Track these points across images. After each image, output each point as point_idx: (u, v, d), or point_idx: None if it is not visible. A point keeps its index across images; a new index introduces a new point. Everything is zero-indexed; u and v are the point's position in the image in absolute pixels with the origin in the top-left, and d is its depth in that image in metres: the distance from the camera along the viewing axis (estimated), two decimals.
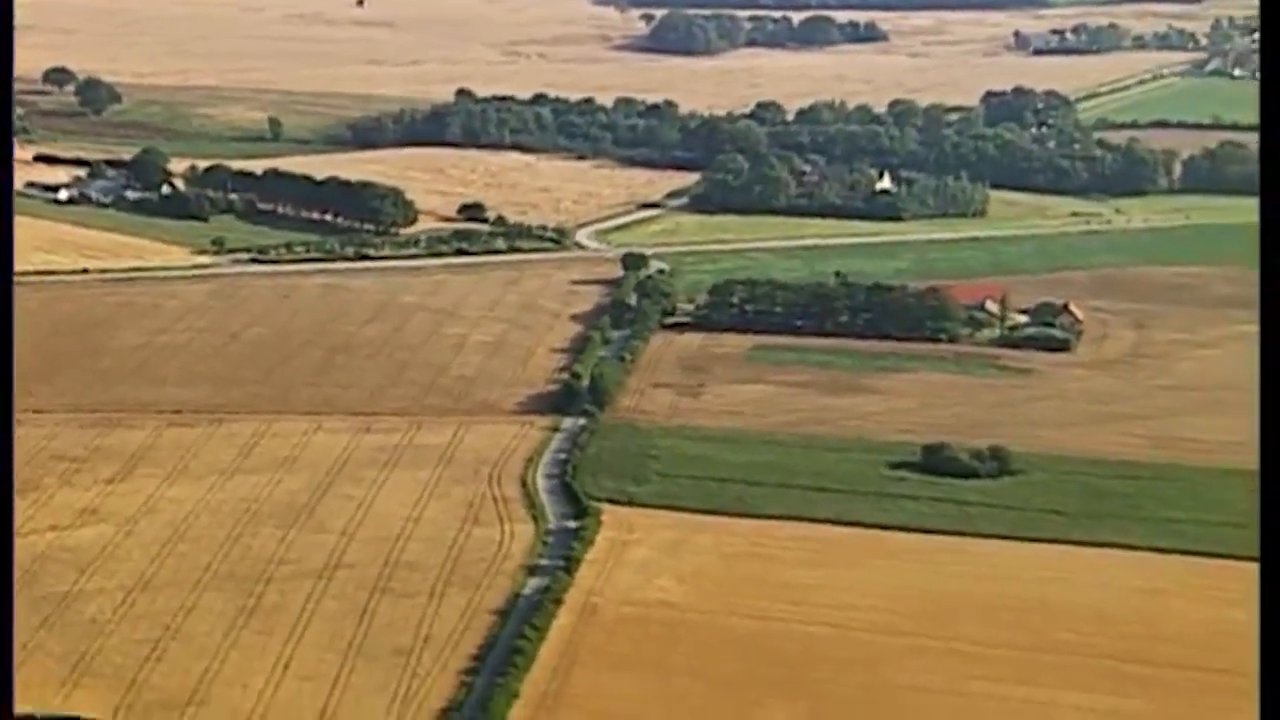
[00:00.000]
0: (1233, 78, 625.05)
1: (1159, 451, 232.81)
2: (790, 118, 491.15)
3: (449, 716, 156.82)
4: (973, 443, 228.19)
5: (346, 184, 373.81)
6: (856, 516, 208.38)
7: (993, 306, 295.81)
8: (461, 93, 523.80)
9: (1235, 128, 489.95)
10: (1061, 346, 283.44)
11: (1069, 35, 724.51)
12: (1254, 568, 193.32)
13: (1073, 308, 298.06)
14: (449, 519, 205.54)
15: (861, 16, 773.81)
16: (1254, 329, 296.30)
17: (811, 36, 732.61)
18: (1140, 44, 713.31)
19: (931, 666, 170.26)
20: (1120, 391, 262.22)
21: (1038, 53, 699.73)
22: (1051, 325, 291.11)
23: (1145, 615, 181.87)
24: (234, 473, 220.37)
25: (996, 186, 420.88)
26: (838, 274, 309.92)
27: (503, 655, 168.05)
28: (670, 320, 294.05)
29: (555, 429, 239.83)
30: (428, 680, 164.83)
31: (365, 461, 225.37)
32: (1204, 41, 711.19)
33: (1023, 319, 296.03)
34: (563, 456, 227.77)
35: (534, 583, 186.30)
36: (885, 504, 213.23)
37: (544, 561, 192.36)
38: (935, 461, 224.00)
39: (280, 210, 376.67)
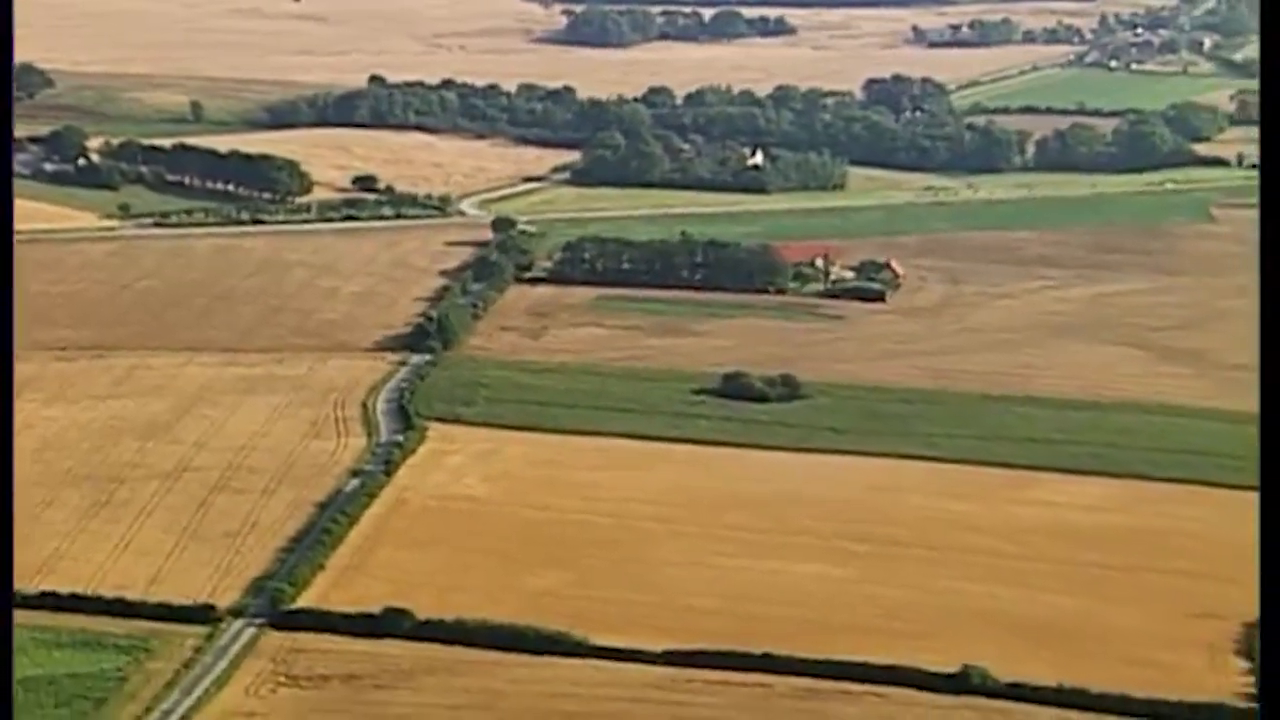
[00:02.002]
0: (1109, 69, 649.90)
1: (935, 381, 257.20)
2: (679, 101, 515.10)
3: (260, 583, 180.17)
4: (768, 372, 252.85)
5: (247, 157, 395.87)
6: (654, 432, 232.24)
7: (820, 263, 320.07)
8: (374, 79, 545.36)
9: (1098, 113, 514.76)
10: (877, 297, 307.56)
11: (965, 30, 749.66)
12: (987, 470, 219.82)
13: (894, 264, 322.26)
14: (292, 434, 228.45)
15: (773, 12, 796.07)
16: (1053, 282, 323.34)
17: (721, 30, 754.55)
18: (1030, 38, 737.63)
19: (688, 546, 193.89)
20: (918, 333, 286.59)
21: (933, 45, 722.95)
22: (872, 279, 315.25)
23: (880, 507, 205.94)
24: (107, 398, 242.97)
25: (860, 164, 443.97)
26: (683, 234, 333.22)
27: (316, 537, 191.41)
28: (527, 275, 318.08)
29: (403, 364, 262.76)
30: (248, 556, 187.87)
31: (226, 389, 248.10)
32: (1090, 36, 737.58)
33: (848, 274, 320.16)
34: (405, 386, 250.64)
35: (355, 482, 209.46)
36: (681, 422, 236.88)
37: (368, 467, 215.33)
38: (732, 388, 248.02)
39: (186, 181, 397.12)
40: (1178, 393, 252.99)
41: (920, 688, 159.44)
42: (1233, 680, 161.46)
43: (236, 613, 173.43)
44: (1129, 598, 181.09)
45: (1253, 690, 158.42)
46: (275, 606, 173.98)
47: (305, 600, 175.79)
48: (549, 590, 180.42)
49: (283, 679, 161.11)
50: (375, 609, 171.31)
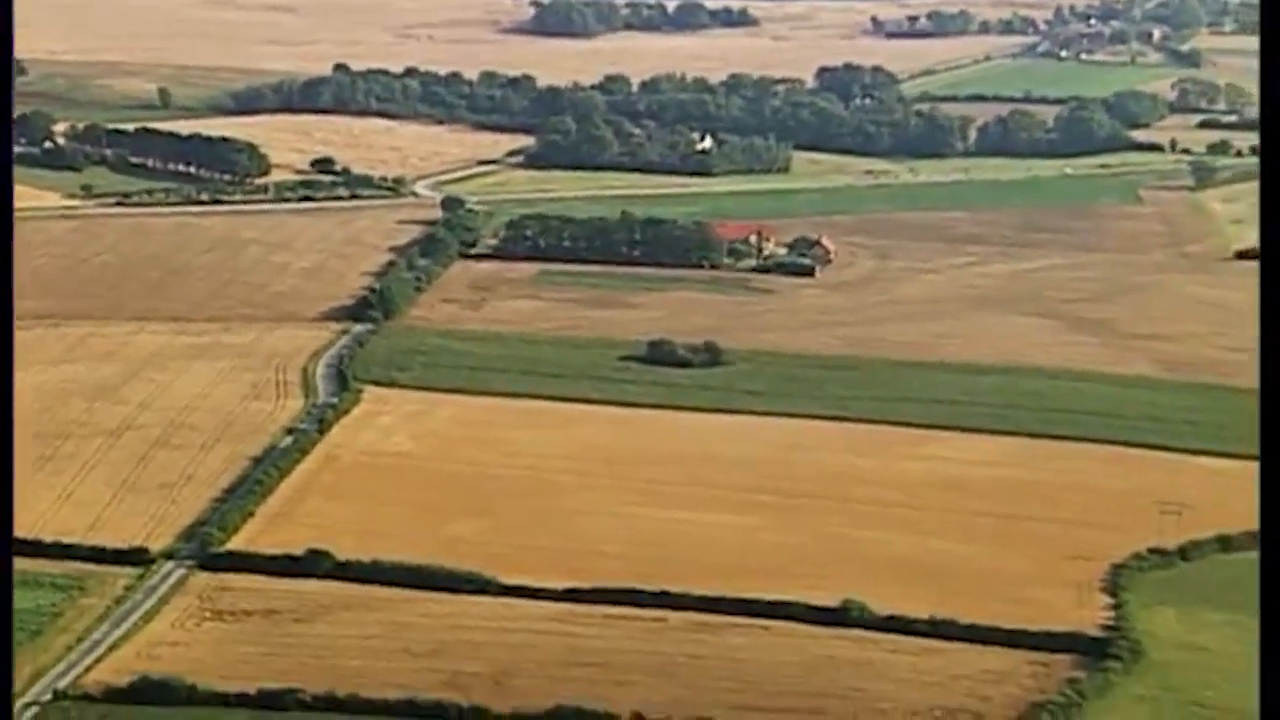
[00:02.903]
0: (1059, 59, 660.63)
1: (852, 349, 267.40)
2: (634, 89, 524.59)
3: (192, 529, 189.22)
4: (693, 340, 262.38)
5: (208, 140, 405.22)
6: (579, 394, 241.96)
7: (754, 240, 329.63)
8: (338, 67, 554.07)
9: (1044, 101, 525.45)
10: (806, 272, 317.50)
11: (922, 21, 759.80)
12: (891, 429, 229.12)
13: (825, 241, 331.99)
14: (233, 396, 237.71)
15: (736, 3, 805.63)
16: (978, 259, 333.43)
17: (684, 21, 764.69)
18: (985, 29, 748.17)
19: (600, 498, 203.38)
20: (842, 305, 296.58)
21: (890, 36, 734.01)
22: (803, 256, 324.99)
23: (787, 462, 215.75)
24: (60, 363, 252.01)
25: (806, 148, 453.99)
26: (623, 212, 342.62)
27: (248, 488, 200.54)
28: (472, 251, 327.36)
29: (345, 333, 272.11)
30: (183, 505, 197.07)
31: (174, 355, 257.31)
32: (1044, 27, 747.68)
33: (781, 251, 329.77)
34: (345, 353, 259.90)
35: (289, 439, 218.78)
36: (606, 386, 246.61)
37: (303, 425, 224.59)
38: (657, 354, 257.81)
39: (149, 164, 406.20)
40: (1081, 359, 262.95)
41: (803, 621, 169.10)
42: (1095, 614, 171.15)
43: (168, 555, 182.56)
44: (1010, 543, 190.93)
45: (1110, 621, 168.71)
46: (204, 549, 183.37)
47: (233, 544, 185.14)
48: (464, 536, 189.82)
49: (207, 614, 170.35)
50: (298, 551, 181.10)
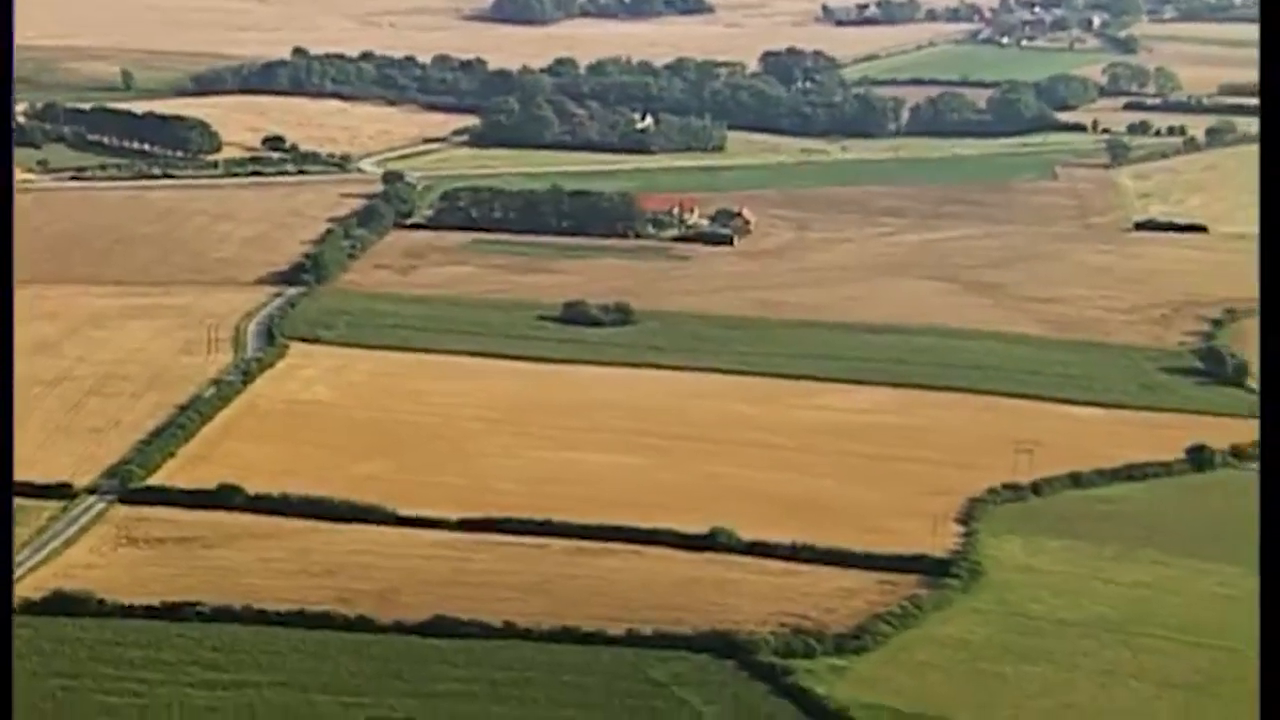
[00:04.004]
0: (1001, 45, 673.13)
1: (758, 310, 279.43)
2: (582, 71, 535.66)
3: (115, 468, 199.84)
4: (605, 301, 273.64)
5: (162, 118, 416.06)
6: (493, 350, 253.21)
7: (676, 211, 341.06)
8: (296, 51, 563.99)
9: (980, 84, 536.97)
10: (725, 241, 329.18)
11: (872, 8, 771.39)
12: (784, 381, 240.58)
13: (746, 213, 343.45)
14: (166, 351, 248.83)
15: None
16: (892, 229, 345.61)
17: (640, 8, 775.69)
18: (933, 17, 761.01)
19: (502, 442, 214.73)
20: (754, 272, 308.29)
21: (840, 24, 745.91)
22: (724, 226, 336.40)
23: (682, 411, 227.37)
24: None
25: (745, 128, 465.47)
26: (553, 185, 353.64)
27: (171, 432, 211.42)
28: (408, 222, 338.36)
29: (279, 295, 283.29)
30: (108, 447, 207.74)
31: (114, 315, 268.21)
32: (989, 15, 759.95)
33: (703, 222, 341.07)
34: (276, 313, 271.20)
35: (214, 389, 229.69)
36: (520, 343, 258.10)
37: (229, 377, 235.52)
38: (571, 314, 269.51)
39: (105, 141, 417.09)
40: (973, 319, 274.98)
41: (674, 546, 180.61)
42: (945, 541, 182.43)
43: (91, 490, 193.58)
44: (877, 480, 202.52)
45: (958, 547, 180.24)
46: (125, 485, 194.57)
47: (153, 481, 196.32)
48: (371, 474, 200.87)
49: (123, 541, 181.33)
50: (211, 485, 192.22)
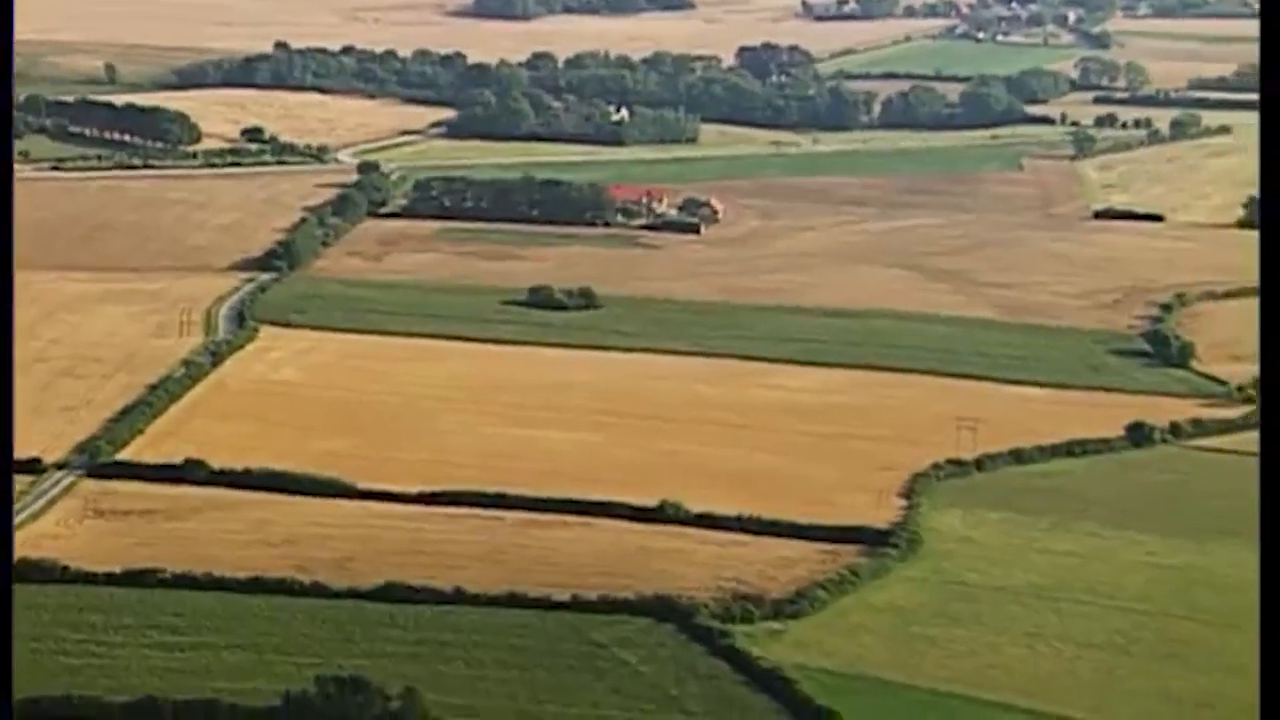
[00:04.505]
0: (977, 40, 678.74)
1: (721, 295, 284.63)
2: (559, 65, 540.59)
3: (85, 445, 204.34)
4: (569, 286, 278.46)
5: (142, 110, 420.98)
6: (458, 333, 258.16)
7: (645, 200, 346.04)
8: (279, 45, 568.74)
9: (954, 79, 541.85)
10: (692, 229, 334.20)
11: (850, 4, 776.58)
12: (741, 363, 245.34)
13: (714, 202, 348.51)
14: (139, 334, 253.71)
15: None
16: (857, 218, 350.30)
17: (622, 5, 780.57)
18: (910, 13, 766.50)
19: (462, 420, 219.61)
20: (718, 258, 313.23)
21: (819, 19, 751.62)
22: (692, 215, 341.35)
23: (640, 391, 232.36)
24: None
25: (719, 121, 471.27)
26: (525, 174, 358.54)
27: (140, 410, 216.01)
28: (382, 211, 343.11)
29: (251, 280, 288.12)
30: (79, 425, 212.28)
31: (90, 299, 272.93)
32: (967, 10, 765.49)
33: (672, 211, 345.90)
34: (248, 298, 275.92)
35: (184, 370, 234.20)
36: (485, 326, 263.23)
37: (199, 359, 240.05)
38: (536, 299, 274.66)
39: (86, 132, 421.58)
40: (930, 304, 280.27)
41: (624, 518, 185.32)
42: (888, 514, 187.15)
43: (60, 466, 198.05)
44: (826, 456, 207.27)
45: (899, 519, 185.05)
46: (93, 460, 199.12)
47: (120, 456, 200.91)
48: (333, 451, 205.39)
49: (89, 513, 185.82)
50: (177, 460, 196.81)
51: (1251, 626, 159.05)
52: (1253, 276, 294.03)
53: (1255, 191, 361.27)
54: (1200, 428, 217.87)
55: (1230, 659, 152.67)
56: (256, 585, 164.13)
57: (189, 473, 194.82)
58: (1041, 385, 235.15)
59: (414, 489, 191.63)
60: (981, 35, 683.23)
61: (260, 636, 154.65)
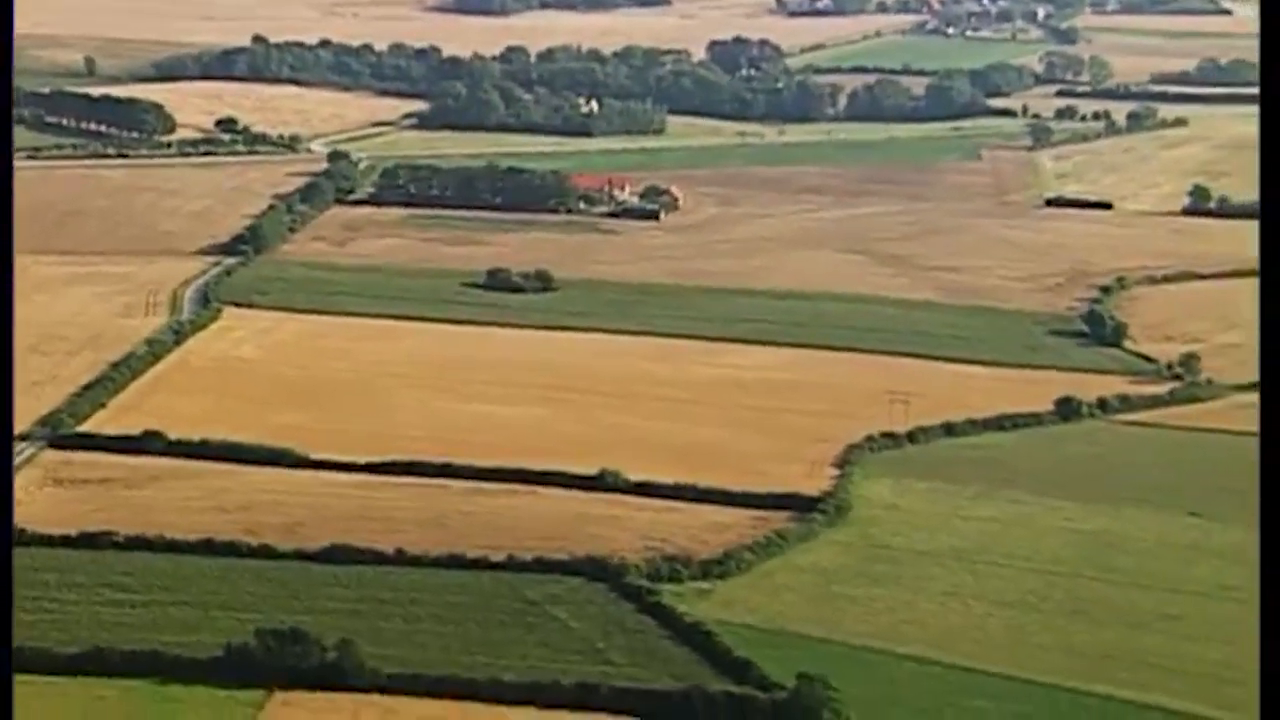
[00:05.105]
0: (946, 36, 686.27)
1: (671, 278, 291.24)
2: (532, 59, 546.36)
3: (48, 418, 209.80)
4: (527, 269, 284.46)
5: (117, 100, 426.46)
6: (416, 313, 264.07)
7: (607, 188, 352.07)
8: (256, 39, 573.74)
9: (921, 73, 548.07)
10: (652, 216, 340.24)
11: (824, 0, 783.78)
12: (690, 342, 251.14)
13: (674, 190, 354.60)
14: (105, 314, 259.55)
15: None
16: (814, 206, 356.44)
17: (599, 1, 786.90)
18: (883, 8, 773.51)
19: (416, 395, 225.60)
20: (675, 244, 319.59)
21: (793, 15, 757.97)
22: (652, 203, 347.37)
23: (591, 368, 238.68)
24: None
25: (686, 113, 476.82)
26: (489, 163, 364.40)
27: (103, 385, 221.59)
28: (349, 198, 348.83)
29: (218, 264, 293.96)
30: (43, 399, 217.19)
31: (59, 281, 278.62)
32: (939, 6, 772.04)
33: (634, 199, 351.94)
34: (214, 280, 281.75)
35: (147, 348, 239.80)
36: (444, 307, 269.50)
37: (163, 337, 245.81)
38: (494, 281, 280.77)
39: (62, 122, 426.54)
40: (877, 287, 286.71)
41: (566, 487, 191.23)
42: (819, 483, 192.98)
43: (23, 438, 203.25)
44: (765, 429, 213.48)
45: (830, 488, 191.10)
46: (55, 432, 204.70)
47: (82, 429, 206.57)
48: (289, 423, 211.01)
49: (49, 482, 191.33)
50: (136, 431, 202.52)
51: (1156, 585, 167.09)
52: (1190, 261, 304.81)
53: (1201, 180, 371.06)
54: (1127, 403, 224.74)
55: (1133, 616, 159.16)
56: (207, 547, 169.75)
57: (147, 444, 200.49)
58: (978, 363, 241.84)
59: (364, 459, 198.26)
60: (951, 31, 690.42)
61: (207, 594, 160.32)
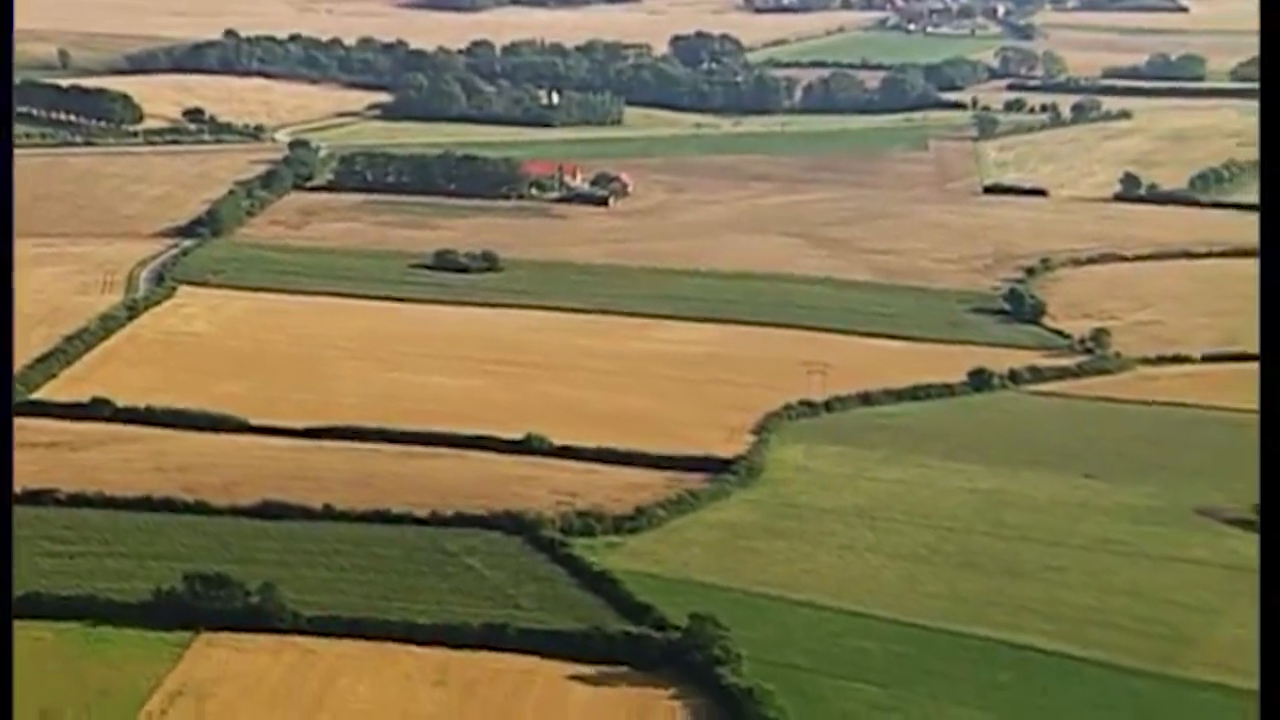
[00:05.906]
0: (907, 32, 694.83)
1: (617, 260, 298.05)
2: (497, 52, 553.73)
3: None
4: (473, 249, 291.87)
5: (86, 91, 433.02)
6: (364, 292, 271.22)
7: (558, 175, 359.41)
8: (228, 33, 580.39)
9: (880, 67, 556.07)
10: (602, 202, 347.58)
11: None
12: (625, 319, 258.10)
13: (624, 177, 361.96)
14: (63, 292, 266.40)
15: None
16: (759, 193, 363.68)
17: None
18: (847, 5, 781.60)
19: (358, 367, 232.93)
20: (620, 228, 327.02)
21: (758, 11, 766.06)
22: (603, 189, 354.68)
23: (528, 343, 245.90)
24: None
25: (645, 105, 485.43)
26: (444, 151, 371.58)
27: (55, 358, 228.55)
28: (308, 184, 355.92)
29: (175, 246, 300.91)
30: None
31: (22, 263, 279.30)
32: (901, 3, 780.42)
33: (584, 185, 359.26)
34: (170, 261, 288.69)
35: (100, 323, 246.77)
36: (391, 286, 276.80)
37: (117, 314, 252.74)
38: (442, 262, 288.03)
39: (32, 112, 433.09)
40: (811, 267, 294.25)
41: (492, 450, 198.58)
42: (736, 447, 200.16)
43: None
44: (688, 399, 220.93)
45: (745, 452, 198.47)
46: None
47: (33, 397, 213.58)
48: (232, 393, 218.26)
49: None
50: (84, 399, 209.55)
51: (1044, 539, 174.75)
52: (1115, 244, 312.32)
53: (1135, 169, 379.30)
54: (1038, 374, 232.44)
55: (1019, 567, 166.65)
56: (144, 504, 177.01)
57: (94, 410, 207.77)
58: (900, 338, 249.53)
59: (302, 425, 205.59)
60: (912, 27, 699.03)
61: (142, 546, 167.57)
